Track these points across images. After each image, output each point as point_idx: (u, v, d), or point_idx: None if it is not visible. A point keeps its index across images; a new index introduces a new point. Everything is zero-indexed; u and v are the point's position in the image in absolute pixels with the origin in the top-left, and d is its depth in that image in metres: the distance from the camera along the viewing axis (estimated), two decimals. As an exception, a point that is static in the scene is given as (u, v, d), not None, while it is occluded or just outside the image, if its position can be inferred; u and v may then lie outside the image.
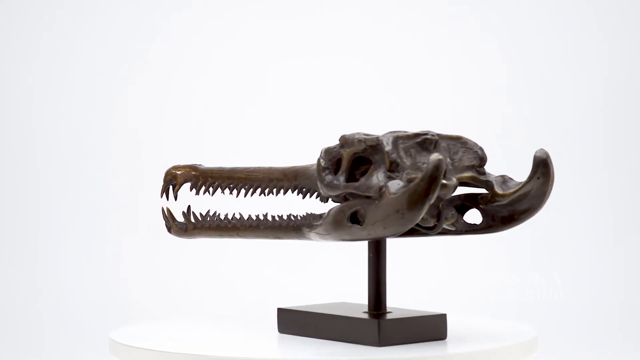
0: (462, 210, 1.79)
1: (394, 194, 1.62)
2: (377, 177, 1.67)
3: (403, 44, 3.67)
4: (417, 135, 1.72)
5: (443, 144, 1.74)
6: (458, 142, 1.76)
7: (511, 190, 1.73)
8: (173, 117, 3.61)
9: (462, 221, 1.78)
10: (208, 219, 1.90)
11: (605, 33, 3.67)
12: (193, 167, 1.94)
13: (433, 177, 1.59)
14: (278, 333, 1.85)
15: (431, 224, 1.71)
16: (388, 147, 1.68)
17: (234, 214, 1.88)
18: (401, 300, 3.40)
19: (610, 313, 3.40)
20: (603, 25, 3.67)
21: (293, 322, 1.82)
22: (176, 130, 3.60)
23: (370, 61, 3.66)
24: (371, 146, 1.70)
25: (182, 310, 3.32)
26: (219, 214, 1.90)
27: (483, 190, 1.77)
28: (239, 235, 1.86)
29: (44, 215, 3.57)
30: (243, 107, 3.63)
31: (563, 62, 3.66)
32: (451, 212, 1.73)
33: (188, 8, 3.67)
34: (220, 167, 1.92)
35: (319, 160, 1.74)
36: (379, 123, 3.60)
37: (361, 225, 1.67)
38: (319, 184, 1.74)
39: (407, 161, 1.68)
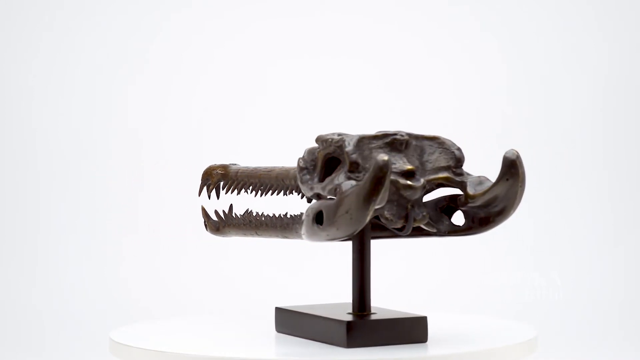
0: (448, 211, 1.78)
1: (345, 194, 1.61)
2: (339, 178, 1.67)
3: (403, 44, 3.66)
4: (386, 135, 1.71)
5: (417, 144, 1.72)
6: (435, 143, 1.74)
7: (481, 192, 1.71)
8: (173, 117, 3.61)
9: (447, 222, 1.76)
10: (233, 217, 1.90)
11: (605, 33, 3.67)
12: (223, 167, 1.94)
13: (377, 178, 1.57)
14: (276, 332, 1.85)
15: (398, 225, 1.69)
16: (349, 148, 1.68)
17: (249, 212, 1.87)
18: (401, 300, 3.40)
19: (610, 313, 3.40)
20: (603, 25, 3.67)
21: (287, 321, 1.83)
22: (176, 130, 3.60)
23: (370, 61, 3.66)
24: (339, 147, 1.70)
25: (182, 310, 3.32)
26: (240, 213, 1.89)
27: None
28: (257, 234, 1.86)
29: (44, 215, 3.57)
30: (243, 107, 3.63)
31: (563, 62, 3.66)
32: (422, 214, 1.70)
33: (188, 8, 3.67)
34: (245, 167, 1.91)
35: (298, 160, 1.74)
36: (379, 123, 3.60)
37: (321, 226, 1.66)
38: (299, 184, 1.74)
39: (371, 162, 1.67)
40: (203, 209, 1.98)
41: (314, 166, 1.73)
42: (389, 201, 1.67)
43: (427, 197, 1.77)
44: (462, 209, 1.76)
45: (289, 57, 3.66)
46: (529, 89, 3.64)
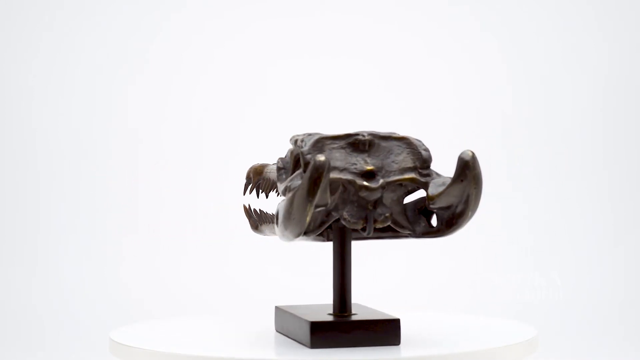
0: (428, 213, 1.76)
1: (289, 195, 1.62)
2: (295, 179, 1.68)
3: (403, 44, 3.66)
4: (348, 135, 1.70)
5: (385, 144, 1.71)
6: (403, 143, 1.72)
7: (437, 193, 1.68)
8: (173, 117, 3.61)
9: (423, 224, 1.73)
10: (267, 216, 1.90)
11: (605, 33, 3.67)
12: (261, 167, 1.94)
13: (313, 179, 1.57)
14: (275, 332, 1.85)
15: (359, 226, 1.68)
16: (305, 148, 1.69)
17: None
18: (401, 300, 3.40)
19: (610, 313, 3.40)
20: (603, 25, 3.67)
21: (281, 321, 1.84)
22: (176, 130, 3.60)
23: (370, 61, 3.66)
24: (299, 147, 1.71)
25: (182, 310, 3.32)
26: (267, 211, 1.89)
27: None
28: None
29: (44, 215, 3.57)
30: (243, 107, 3.63)
31: (563, 62, 3.66)
32: (384, 215, 1.68)
33: (188, 8, 3.67)
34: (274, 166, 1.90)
35: (278, 160, 1.75)
36: (379, 123, 3.60)
37: (278, 226, 1.67)
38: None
39: (332, 162, 1.67)
40: (245, 208, 1.97)
41: (290, 166, 1.73)
42: (349, 202, 1.67)
43: (410, 198, 1.76)
44: (430, 210, 1.73)
45: (289, 57, 3.66)
46: (529, 89, 3.64)
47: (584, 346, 3.24)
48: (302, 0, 3.68)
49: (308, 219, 1.60)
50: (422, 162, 1.71)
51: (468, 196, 1.64)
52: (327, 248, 3.31)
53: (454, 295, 3.43)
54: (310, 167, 1.57)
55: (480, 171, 1.63)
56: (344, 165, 1.68)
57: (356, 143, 1.69)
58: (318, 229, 1.68)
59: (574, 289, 3.44)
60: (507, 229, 3.57)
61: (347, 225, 1.67)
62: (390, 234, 1.73)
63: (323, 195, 1.61)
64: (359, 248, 3.40)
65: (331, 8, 3.68)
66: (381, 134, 1.71)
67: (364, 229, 1.68)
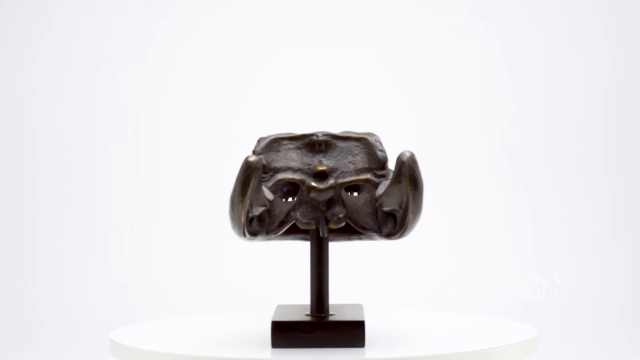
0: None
1: None
2: None
3: (407, 44, 3.66)
4: (304, 136, 1.70)
5: (344, 145, 1.70)
6: (361, 144, 1.70)
7: (378, 195, 1.66)
8: (171, 117, 3.61)
9: (390, 225, 1.71)
10: None
11: (608, 33, 3.67)
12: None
13: (242, 179, 1.57)
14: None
15: (312, 227, 1.67)
16: (257, 149, 1.69)
17: None
18: (401, 300, 3.40)
19: (611, 313, 3.40)
20: (605, 25, 3.67)
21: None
22: (176, 131, 3.60)
23: (374, 60, 3.66)
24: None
25: (182, 311, 3.32)
26: None
27: None
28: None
29: (44, 216, 3.57)
30: (242, 105, 3.63)
31: (566, 63, 3.65)
32: (337, 215, 1.67)
33: (187, 8, 3.67)
34: None
35: None
36: (380, 122, 3.60)
37: None
38: None
39: (286, 162, 1.67)
40: None
41: None
42: (304, 203, 1.66)
43: None
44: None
45: (288, 55, 3.66)
46: (530, 90, 3.64)
47: (585, 346, 3.24)
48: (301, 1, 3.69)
49: (242, 219, 1.59)
50: (378, 162, 1.69)
51: (408, 197, 1.60)
52: (330, 247, 3.31)
53: (454, 295, 3.43)
54: (240, 167, 1.57)
55: (418, 172, 1.59)
56: (299, 166, 1.68)
57: (312, 143, 1.69)
58: (278, 229, 1.68)
59: (575, 289, 3.44)
60: (507, 229, 3.56)
61: (300, 226, 1.67)
62: (358, 235, 1.72)
63: (256, 196, 1.60)
64: (360, 248, 3.41)
65: (335, 4, 3.68)
66: (339, 135, 1.70)
67: (318, 230, 1.68)
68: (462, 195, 3.58)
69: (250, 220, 1.66)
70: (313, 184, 1.64)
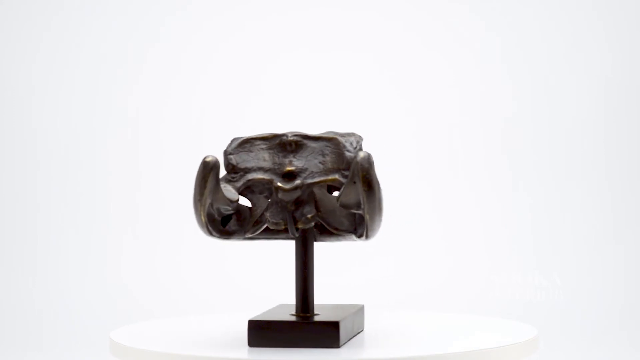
0: None
1: None
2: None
3: (407, 44, 3.66)
4: (276, 136, 1.70)
5: (315, 145, 1.70)
6: (331, 144, 1.68)
7: (337, 195, 1.65)
8: (171, 117, 3.61)
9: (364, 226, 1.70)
10: None
11: (608, 33, 3.67)
12: None
13: (198, 179, 1.60)
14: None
15: (281, 227, 1.67)
16: (228, 149, 1.71)
17: None
18: (401, 299, 3.40)
19: (611, 313, 3.40)
20: (606, 26, 3.67)
21: None
22: (176, 131, 3.60)
23: (374, 60, 3.66)
24: None
25: (182, 311, 3.32)
26: None
27: None
28: None
29: (44, 216, 3.57)
30: (243, 107, 3.63)
31: (566, 63, 3.65)
32: (306, 216, 1.66)
33: (187, 8, 3.67)
34: None
35: None
36: (380, 123, 3.60)
37: None
38: None
39: (257, 163, 1.68)
40: None
41: None
42: (274, 203, 1.67)
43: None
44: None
45: (288, 55, 3.66)
46: (530, 90, 3.64)
47: (585, 346, 3.24)
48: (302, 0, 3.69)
49: (203, 218, 1.61)
50: (346, 163, 1.67)
51: (363, 198, 1.58)
52: (329, 246, 3.31)
53: (454, 295, 3.43)
54: (198, 168, 1.59)
55: (372, 173, 1.56)
56: (270, 166, 1.68)
57: (283, 144, 1.69)
58: (253, 228, 1.68)
59: (575, 289, 3.44)
60: (507, 229, 3.56)
61: (269, 227, 1.67)
62: (330, 236, 1.72)
63: (215, 196, 1.61)
64: (360, 248, 3.41)
65: (332, 5, 3.69)
66: (310, 135, 1.70)
67: (287, 230, 1.68)
68: (462, 195, 3.58)
69: (227, 220, 1.67)
70: (279, 184, 1.64)
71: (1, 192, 3.59)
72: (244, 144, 1.70)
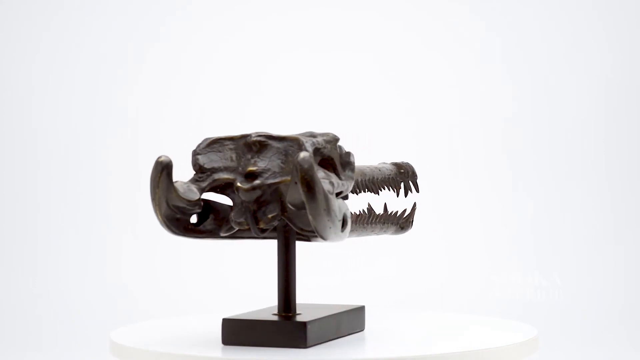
0: None
1: None
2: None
3: (407, 44, 3.66)
4: (243, 137, 1.71)
5: (279, 145, 1.69)
6: (295, 144, 1.68)
7: (287, 196, 1.65)
8: (171, 118, 3.61)
9: None
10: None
11: (608, 33, 3.67)
12: None
13: (151, 179, 1.63)
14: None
15: (243, 227, 1.68)
16: (196, 149, 1.72)
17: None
18: (401, 299, 3.40)
19: (611, 313, 3.40)
20: (606, 26, 3.67)
21: None
22: (176, 131, 3.60)
23: (374, 60, 3.66)
24: None
25: (182, 311, 3.32)
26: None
27: None
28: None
29: (44, 216, 3.57)
30: (243, 107, 3.63)
31: (566, 63, 3.65)
32: (267, 216, 1.66)
33: (187, 8, 3.67)
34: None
35: None
36: (380, 123, 3.60)
37: None
38: None
39: (225, 163, 1.69)
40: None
41: None
42: (239, 203, 1.67)
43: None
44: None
45: (288, 55, 3.66)
46: (530, 90, 3.64)
47: (585, 346, 3.24)
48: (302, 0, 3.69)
49: (159, 217, 1.64)
50: None
51: (304, 199, 1.57)
52: (330, 246, 3.31)
53: (454, 295, 3.42)
54: (152, 167, 1.61)
55: (310, 174, 1.55)
56: (235, 166, 1.68)
57: (248, 144, 1.69)
58: (224, 228, 1.69)
59: (575, 289, 3.44)
60: (507, 229, 3.56)
61: (234, 226, 1.67)
62: (301, 237, 1.72)
63: (169, 195, 1.64)
64: (360, 248, 3.41)
65: (332, 5, 3.69)
66: (275, 135, 1.70)
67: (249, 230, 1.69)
68: (462, 195, 3.58)
69: (203, 220, 1.70)
70: (239, 184, 1.65)
71: (1, 192, 3.59)
72: (213, 144, 1.72)
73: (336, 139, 1.72)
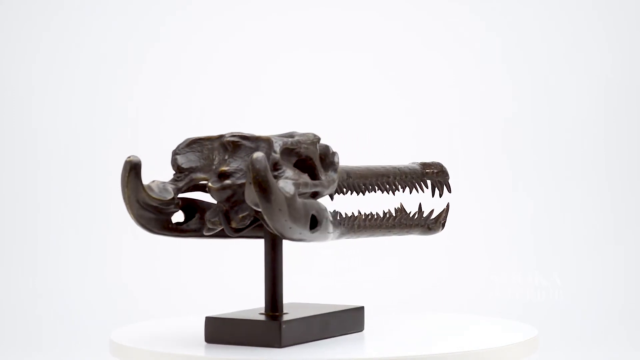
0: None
1: None
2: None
3: (407, 44, 3.66)
4: (220, 137, 1.72)
5: (251, 145, 1.69)
6: (266, 144, 1.68)
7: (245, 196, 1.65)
8: (171, 118, 3.61)
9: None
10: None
11: (608, 33, 3.67)
12: None
13: (121, 178, 1.67)
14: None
15: (217, 226, 1.69)
16: (176, 149, 1.75)
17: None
18: (401, 299, 3.40)
19: (611, 313, 3.40)
20: (606, 26, 3.67)
21: None
22: (176, 131, 3.60)
23: (374, 60, 3.66)
24: None
25: (182, 311, 3.32)
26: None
27: None
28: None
29: (44, 216, 3.57)
30: (243, 107, 3.63)
31: (566, 63, 3.65)
32: (238, 216, 1.66)
33: (187, 8, 3.67)
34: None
35: None
36: (379, 123, 3.60)
37: None
38: None
39: (203, 162, 1.71)
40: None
41: None
42: (215, 203, 1.68)
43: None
44: None
45: (288, 55, 3.66)
46: (530, 90, 3.64)
47: (585, 346, 3.24)
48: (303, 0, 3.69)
49: (132, 216, 1.71)
50: (274, 164, 1.66)
51: (257, 199, 1.57)
52: (328, 246, 3.31)
53: (454, 295, 3.42)
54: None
55: (262, 175, 1.54)
56: (211, 166, 1.69)
57: (223, 144, 1.70)
58: (208, 230, 1.70)
59: (575, 289, 3.44)
60: (507, 229, 3.56)
61: (208, 226, 1.68)
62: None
63: (139, 195, 1.68)
64: (359, 248, 3.40)
65: (332, 5, 3.68)
66: (248, 136, 1.70)
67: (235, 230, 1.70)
68: (462, 195, 3.57)
69: (188, 219, 1.73)
70: (210, 183, 1.66)
71: (1, 192, 3.59)
72: (192, 144, 1.74)
73: (317, 139, 1.71)
